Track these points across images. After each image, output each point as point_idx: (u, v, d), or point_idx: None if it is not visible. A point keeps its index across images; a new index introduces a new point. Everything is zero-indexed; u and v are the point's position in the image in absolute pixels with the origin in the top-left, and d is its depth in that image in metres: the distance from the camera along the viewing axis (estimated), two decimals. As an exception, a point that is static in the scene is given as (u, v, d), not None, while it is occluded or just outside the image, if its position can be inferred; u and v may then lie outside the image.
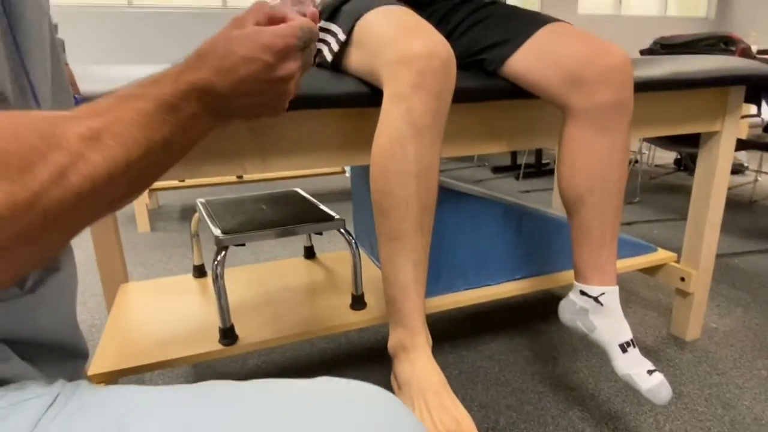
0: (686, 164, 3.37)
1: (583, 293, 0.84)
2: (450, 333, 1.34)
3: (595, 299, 0.83)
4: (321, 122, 0.81)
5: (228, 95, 0.41)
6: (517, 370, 1.17)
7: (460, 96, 0.74)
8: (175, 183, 2.42)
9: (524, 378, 1.14)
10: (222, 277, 0.89)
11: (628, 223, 2.28)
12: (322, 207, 1.08)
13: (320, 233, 1.03)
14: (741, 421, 0.99)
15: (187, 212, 2.57)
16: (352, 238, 1.00)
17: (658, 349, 1.24)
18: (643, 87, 0.94)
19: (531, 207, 1.17)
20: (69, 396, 0.31)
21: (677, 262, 1.28)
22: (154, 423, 0.28)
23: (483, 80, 0.86)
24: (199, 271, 1.21)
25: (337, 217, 1.01)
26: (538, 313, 1.45)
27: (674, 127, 1.10)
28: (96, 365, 0.85)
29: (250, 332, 0.94)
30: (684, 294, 1.26)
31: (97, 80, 0.76)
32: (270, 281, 1.17)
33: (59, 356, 0.41)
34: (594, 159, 0.77)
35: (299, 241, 1.32)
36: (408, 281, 0.71)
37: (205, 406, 0.31)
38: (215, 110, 0.41)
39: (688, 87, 1.02)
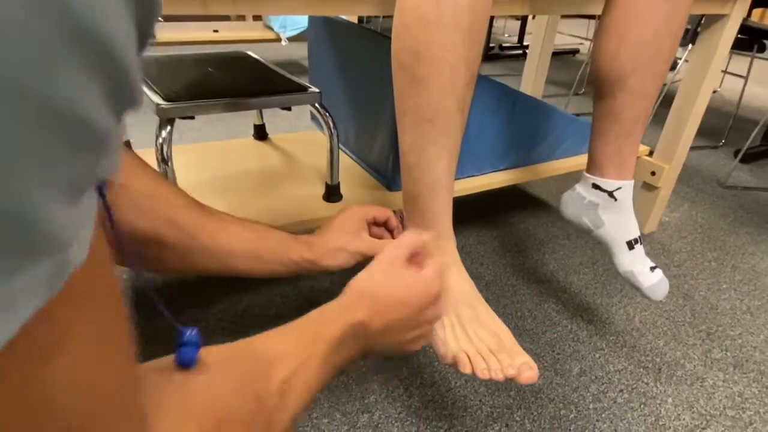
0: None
1: (596, 186, 0.77)
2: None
3: (610, 194, 0.76)
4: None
5: (379, 333, 0.44)
6: (489, 263, 1.13)
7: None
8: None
9: (497, 271, 1.10)
10: (170, 159, 0.70)
11: (577, 114, 2.25)
12: (289, 76, 0.88)
13: (289, 108, 0.84)
14: (699, 311, 1.03)
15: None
16: (330, 116, 0.82)
17: (619, 241, 1.26)
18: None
19: (520, 92, 1.05)
20: None
21: (649, 155, 1.25)
22: None
23: None
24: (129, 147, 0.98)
25: (312, 89, 0.82)
26: (501, 204, 1.40)
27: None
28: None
29: (208, 226, 0.77)
30: (650, 188, 1.25)
31: None
32: (221, 165, 0.97)
33: None
34: (649, 29, 0.64)
35: (244, 118, 1.11)
36: (440, 175, 0.57)
37: None
38: (363, 347, 0.44)
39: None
